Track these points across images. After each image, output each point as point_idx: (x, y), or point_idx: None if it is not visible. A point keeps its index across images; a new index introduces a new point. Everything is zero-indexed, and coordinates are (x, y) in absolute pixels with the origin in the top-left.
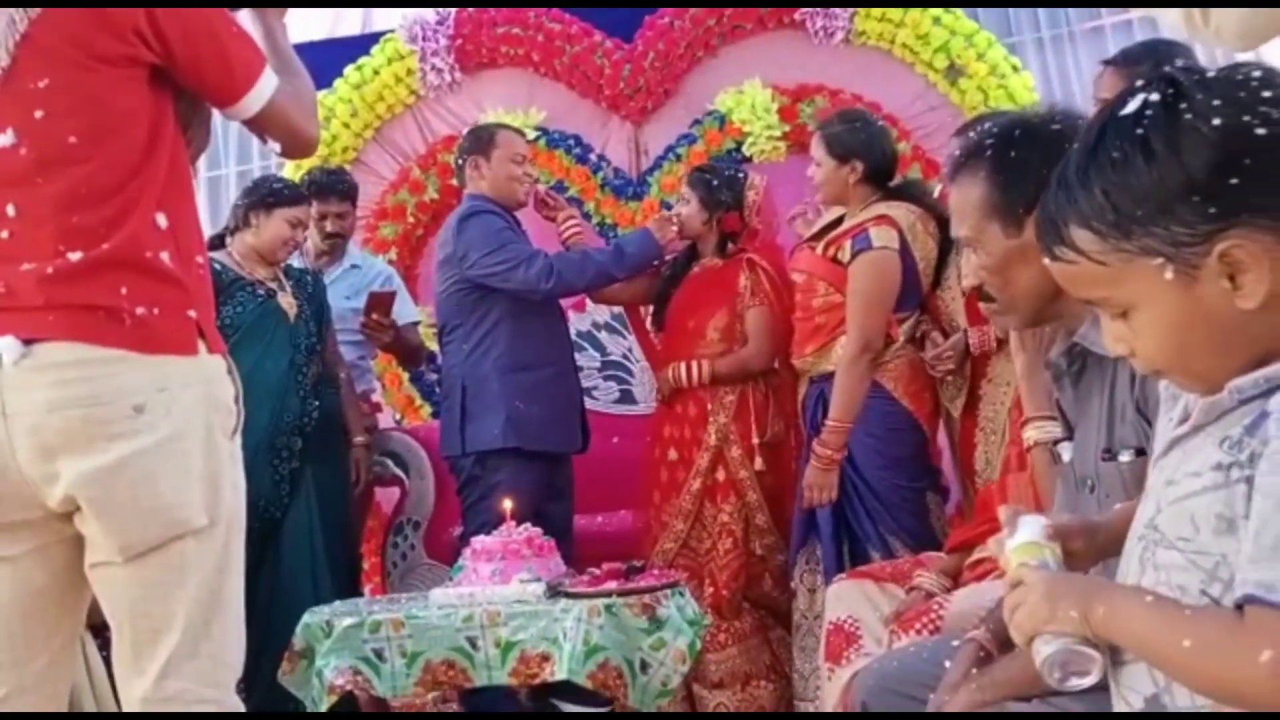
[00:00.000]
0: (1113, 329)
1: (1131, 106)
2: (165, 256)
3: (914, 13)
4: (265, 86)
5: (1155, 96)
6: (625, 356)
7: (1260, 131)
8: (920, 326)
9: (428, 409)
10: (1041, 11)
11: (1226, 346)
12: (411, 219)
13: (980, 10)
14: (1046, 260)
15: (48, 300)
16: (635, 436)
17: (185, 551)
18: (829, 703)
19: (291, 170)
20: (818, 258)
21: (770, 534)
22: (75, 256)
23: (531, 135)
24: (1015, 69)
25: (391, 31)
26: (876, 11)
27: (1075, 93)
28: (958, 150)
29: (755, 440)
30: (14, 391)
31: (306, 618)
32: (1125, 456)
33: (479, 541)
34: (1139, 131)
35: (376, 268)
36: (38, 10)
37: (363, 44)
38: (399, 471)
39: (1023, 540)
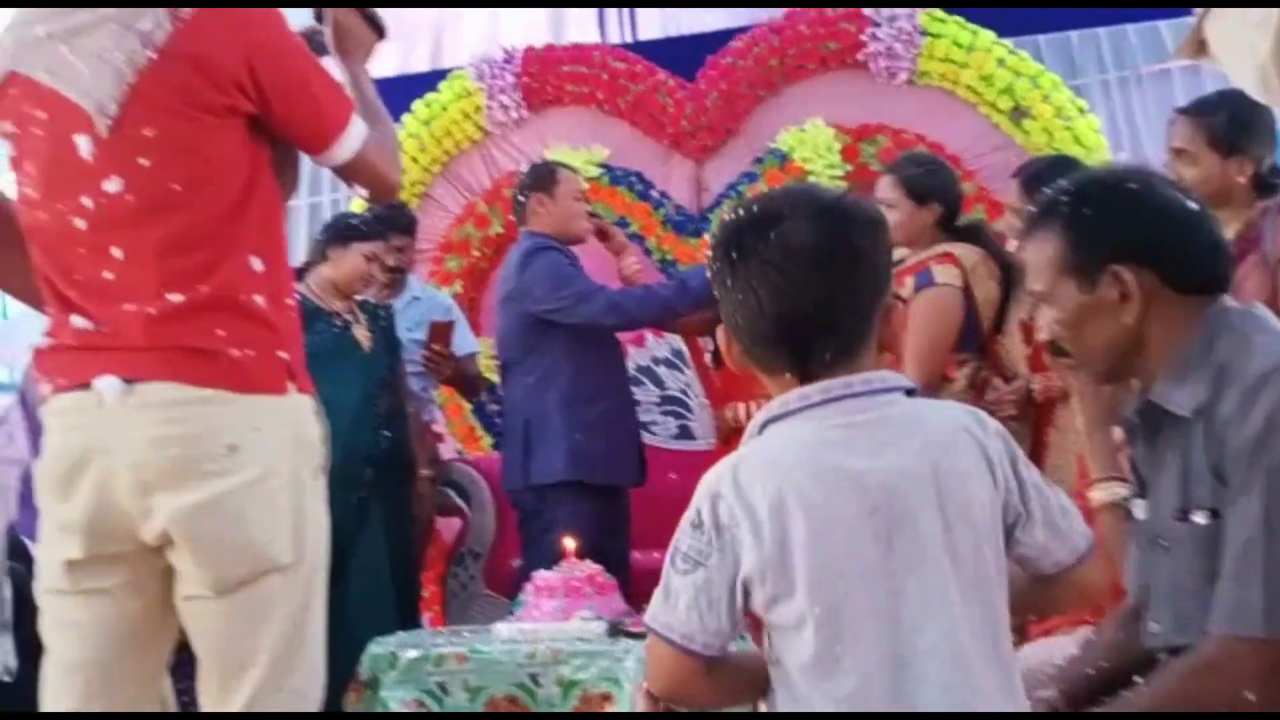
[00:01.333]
0: None
1: None
2: (259, 299)
3: (978, 53)
4: (354, 134)
5: None
6: (683, 391)
7: (715, 266)
8: (980, 373)
9: (489, 440)
10: (1107, 53)
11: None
12: (476, 252)
13: (1045, 50)
14: None
15: (150, 341)
16: (693, 472)
17: (272, 587)
18: None
19: (356, 205)
20: None
21: None
22: (175, 298)
23: (594, 172)
24: (1082, 111)
25: (460, 68)
26: (940, 51)
27: (1142, 136)
28: (1033, 207)
29: None
30: (115, 429)
31: (372, 648)
32: (1199, 518)
33: (541, 577)
34: None
35: (437, 299)
36: (145, 63)
37: (431, 80)
38: (461, 502)
39: None
